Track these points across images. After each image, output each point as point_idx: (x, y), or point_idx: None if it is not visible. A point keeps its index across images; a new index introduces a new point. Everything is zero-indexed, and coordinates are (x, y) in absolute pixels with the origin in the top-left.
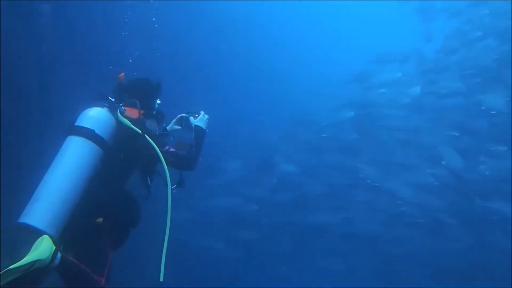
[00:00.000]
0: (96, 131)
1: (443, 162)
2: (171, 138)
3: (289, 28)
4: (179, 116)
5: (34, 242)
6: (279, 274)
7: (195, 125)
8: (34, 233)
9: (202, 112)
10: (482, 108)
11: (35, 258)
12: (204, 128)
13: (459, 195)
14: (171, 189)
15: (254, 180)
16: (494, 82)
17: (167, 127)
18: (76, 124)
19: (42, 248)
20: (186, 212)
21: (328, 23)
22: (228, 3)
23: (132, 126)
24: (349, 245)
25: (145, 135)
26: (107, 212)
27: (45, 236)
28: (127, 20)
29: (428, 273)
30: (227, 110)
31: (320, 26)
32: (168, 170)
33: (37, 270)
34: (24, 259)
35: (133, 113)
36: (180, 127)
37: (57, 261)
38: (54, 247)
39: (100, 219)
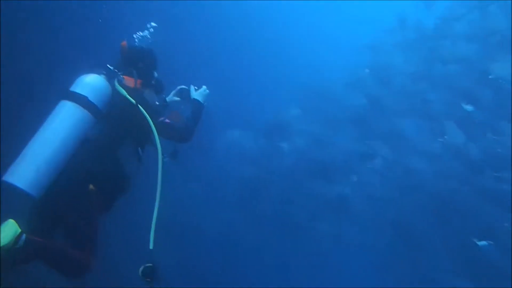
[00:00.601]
0: (90, 98)
1: (445, 137)
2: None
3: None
4: (179, 87)
5: (14, 201)
6: (296, 246)
7: (194, 98)
8: (16, 192)
9: (204, 86)
10: (490, 77)
11: None
12: (202, 102)
13: (468, 166)
14: (164, 159)
15: (268, 150)
16: (501, 49)
17: (167, 98)
18: (71, 89)
19: (5, 232)
20: (197, 183)
21: None
22: None
23: (127, 95)
24: (365, 213)
25: (139, 105)
26: (96, 179)
27: (10, 220)
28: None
29: (441, 241)
30: (239, 80)
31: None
32: (162, 141)
33: (4, 253)
34: None
35: (131, 82)
36: (179, 99)
37: (21, 242)
38: (20, 230)
39: (91, 186)
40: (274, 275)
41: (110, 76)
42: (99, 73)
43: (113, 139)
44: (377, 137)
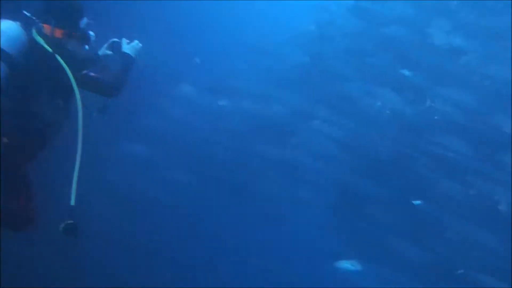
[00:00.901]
0: (2, 47)
1: (380, 102)
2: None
3: None
4: (111, 40)
5: None
6: (244, 207)
7: (124, 52)
8: None
9: (136, 41)
10: (428, 41)
11: None
12: (133, 56)
13: (405, 130)
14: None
15: (212, 109)
16: (436, 13)
17: (99, 52)
18: None
19: None
20: (143, 143)
21: None
22: None
23: (44, 44)
24: (309, 173)
25: (56, 55)
26: (9, 132)
27: None
28: None
29: (381, 199)
30: (180, 37)
31: None
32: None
33: None
34: None
35: (50, 31)
36: (111, 53)
37: None
38: None
39: (5, 140)
40: (224, 236)
41: (27, 24)
42: (14, 20)
43: (28, 91)
44: (320, 97)
